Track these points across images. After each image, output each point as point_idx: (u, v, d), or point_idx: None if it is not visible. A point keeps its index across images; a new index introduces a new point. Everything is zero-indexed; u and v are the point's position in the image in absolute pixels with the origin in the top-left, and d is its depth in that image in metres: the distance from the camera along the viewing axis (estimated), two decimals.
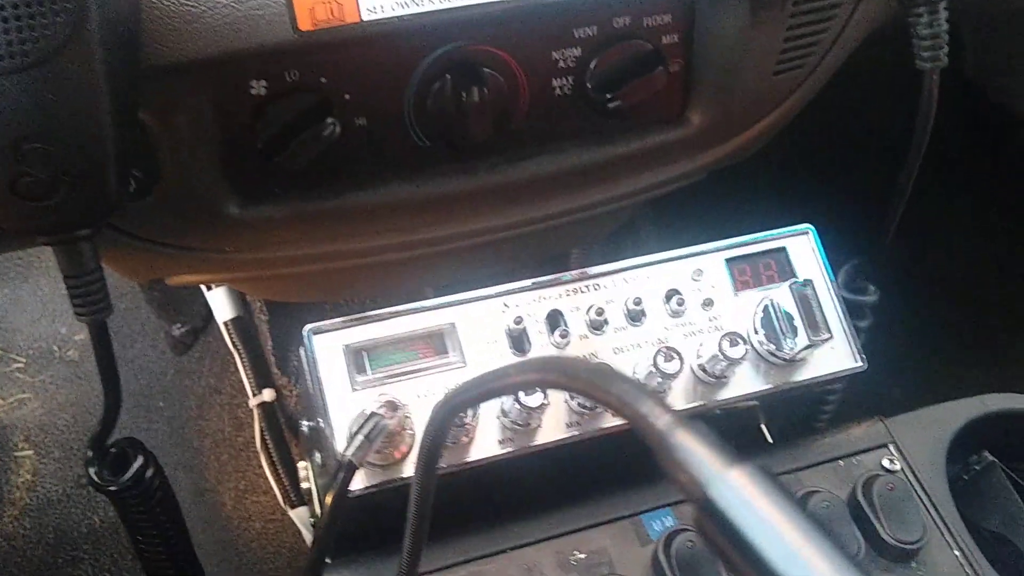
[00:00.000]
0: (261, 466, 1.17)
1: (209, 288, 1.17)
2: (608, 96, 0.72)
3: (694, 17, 0.72)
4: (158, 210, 0.67)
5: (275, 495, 1.16)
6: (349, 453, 0.55)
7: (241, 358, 1.17)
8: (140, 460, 0.68)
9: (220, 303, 1.16)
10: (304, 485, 0.74)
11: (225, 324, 1.17)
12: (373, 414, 0.56)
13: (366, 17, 0.61)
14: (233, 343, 1.18)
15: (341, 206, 0.71)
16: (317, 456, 0.65)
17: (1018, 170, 1.29)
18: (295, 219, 0.71)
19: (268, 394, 1.17)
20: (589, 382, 0.36)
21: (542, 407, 0.60)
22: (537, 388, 0.59)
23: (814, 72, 0.77)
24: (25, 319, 1.48)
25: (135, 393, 1.40)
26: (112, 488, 0.67)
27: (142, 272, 0.82)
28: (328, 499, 0.57)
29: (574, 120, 0.74)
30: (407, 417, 0.59)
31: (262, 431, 1.15)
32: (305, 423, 0.67)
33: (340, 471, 0.56)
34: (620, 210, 0.84)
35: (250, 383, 1.18)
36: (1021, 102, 1.51)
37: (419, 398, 0.60)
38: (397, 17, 0.62)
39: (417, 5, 0.62)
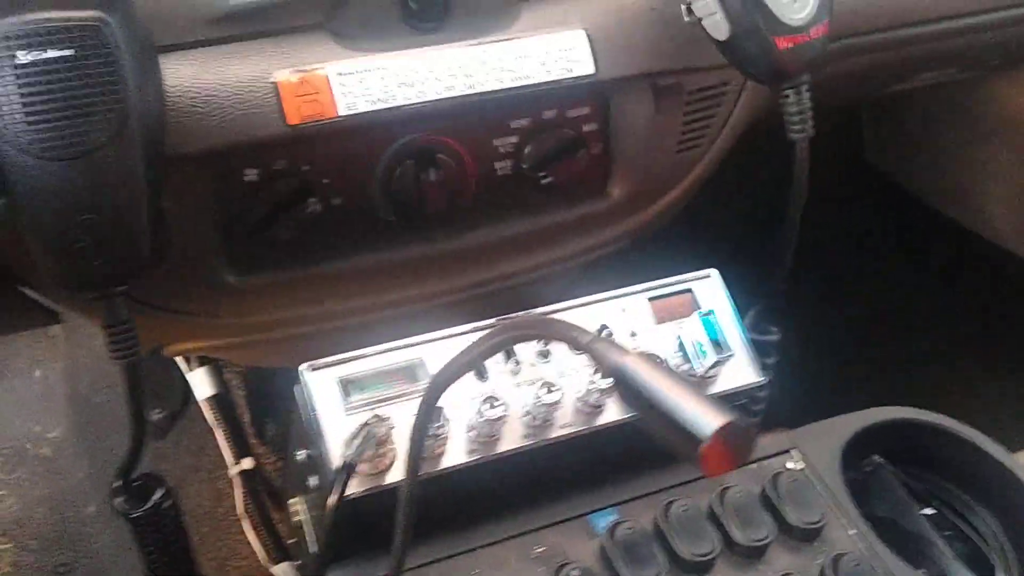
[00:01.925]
0: (241, 532, 1.25)
1: (190, 367, 1.27)
2: (541, 174, 0.87)
3: (609, 108, 0.88)
4: (164, 279, 0.79)
5: (256, 558, 1.24)
6: (349, 454, 0.68)
7: (223, 431, 1.27)
8: (160, 492, 0.79)
9: (200, 381, 1.26)
10: (296, 518, 0.84)
11: (206, 401, 1.27)
12: (365, 423, 0.69)
13: (343, 112, 0.76)
14: (214, 418, 1.28)
15: (322, 273, 0.85)
16: (312, 480, 0.77)
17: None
18: (282, 285, 0.84)
19: (248, 462, 1.26)
20: (542, 329, 0.51)
21: (502, 419, 0.73)
22: (494, 399, 0.72)
23: (711, 149, 0.93)
24: None
25: (110, 482, 1.48)
26: (134, 515, 0.78)
27: (143, 341, 0.93)
28: (331, 500, 0.68)
29: (514, 195, 0.88)
30: (391, 429, 0.71)
31: (244, 496, 1.25)
32: (300, 452, 0.78)
33: (341, 472, 0.68)
34: (557, 275, 0.98)
35: (231, 454, 1.27)
36: (911, 180, 1.72)
37: (398, 418, 0.73)
38: (369, 112, 0.76)
39: (384, 102, 0.77)
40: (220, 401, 1.27)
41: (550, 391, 0.74)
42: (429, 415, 0.61)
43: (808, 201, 0.84)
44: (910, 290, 1.76)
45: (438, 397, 0.61)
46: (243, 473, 1.25)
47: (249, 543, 1.24)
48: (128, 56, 0.62)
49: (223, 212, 0.79)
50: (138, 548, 0.81)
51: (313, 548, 0.80)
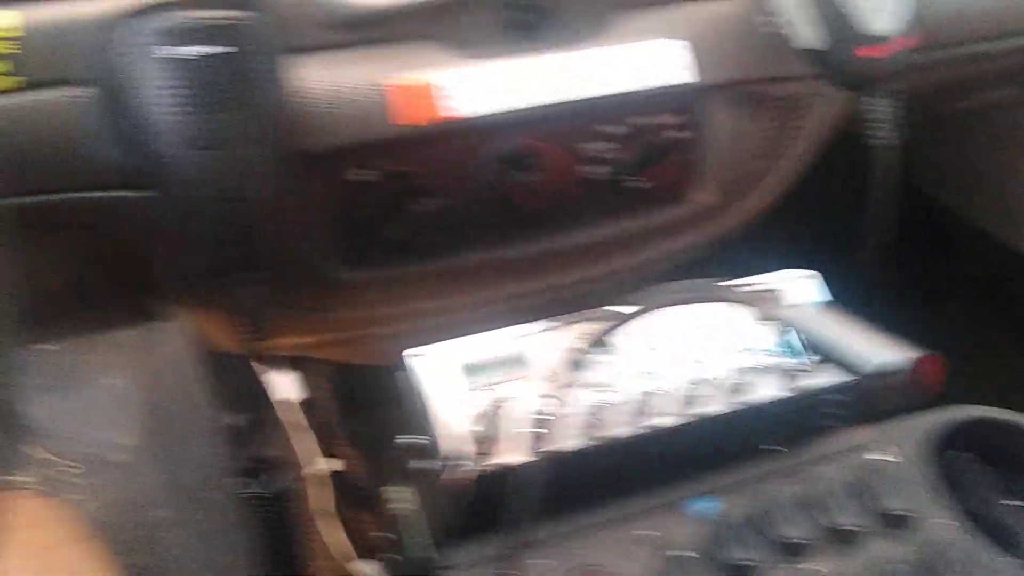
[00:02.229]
0: (317, 532, 1.28)
1: (276, 369, 1.31)
2: (631, 179, 0.91)
3: (696, 115, 0.92)
4: (279, 275, 0.83)
5: (333, 558, 1.27)
6: (473, 433, 0.71)
7: (305, 433, 1.30)
8: (284, 476, 0.82)
9: (283, 383, 1.30)
10: (394, 509, 0.87)
11: (288, 402, 1.31)
12: (489, 401, 0.72)
13: (451, 116, 0.80)
14: (298, 420, 1.31)
15: (426, 270, 0.89)
16: (419, 465, 0.79)
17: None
18: (390, 281, 0.88)
19: (334, 462, 1.29)
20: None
21: (610, 407, 0.76)
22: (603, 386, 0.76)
23: (794, 157, 0.97)
24: (75, 427, 1.59)
25: (185, 487, 1.51)
26: (259, 495, 0.81)
27: None
28: (459, 477, 0.71)
29: (604, 199, 0.92)
30: (512, 408, 0.74)
31: (331, 494, 1.27)
32: (405, 438, 0.81)
33: (472, 447, 0.71)
34: (640, 278, 1.02)
35: (313, 454, 1.30)
36: (961, 205, 1.75)
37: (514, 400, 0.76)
38: (474, 116, 0.80)
39: (489, 107, 0.81)
40: (304, 403, 1.30)
41: (651, 378, 0.77)
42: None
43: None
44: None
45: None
46: (329, 474, 1.28)
47: (327, 543, 1.26)
48: (268, 54, 0.67)
49: (335, 211, 0.83)
50: (256, 528, 0.84)
51: (417, 536, 0.83)
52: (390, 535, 0.90)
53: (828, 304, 0.84)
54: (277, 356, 1.26)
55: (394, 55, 0.79)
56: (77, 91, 0.70)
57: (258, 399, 1.41)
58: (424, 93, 0.79)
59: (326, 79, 0.77)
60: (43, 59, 0.70)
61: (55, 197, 0.72)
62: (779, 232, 1.07)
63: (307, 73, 0.76)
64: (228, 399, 1.44)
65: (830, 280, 0.89)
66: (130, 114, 0.67)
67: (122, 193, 0.73)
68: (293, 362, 1.31)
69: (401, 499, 0.87)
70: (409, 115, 0.79)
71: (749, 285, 0.84)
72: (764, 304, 0.53)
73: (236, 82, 0.65)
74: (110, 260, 0.82)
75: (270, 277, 0.76)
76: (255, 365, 1.28)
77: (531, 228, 0.91)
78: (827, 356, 0.51)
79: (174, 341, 1.53)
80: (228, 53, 0.65)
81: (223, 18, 0.65)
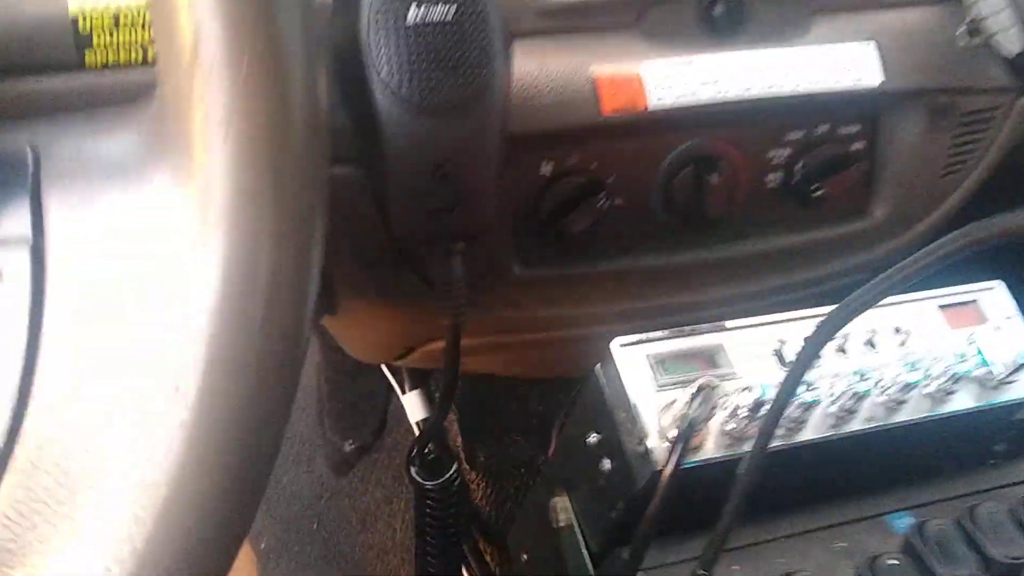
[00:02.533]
0: None
1: (404, 389, 1.29)
2: (809, 189, 0.89)
3: (878, 126, 0.89)
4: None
5: None
6: (692, 413, 0.68)
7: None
8: (453, 469, 0.80)
9: (413, 403, 1.28)
10: (562, 519, 0.84)
11: (416, 424, 1.29)
12: (701, 387, 0.69)
13: (652, 106, 0.78)
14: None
15: (601, 270, 0.86)
16: (606, 464, 0.76)
17: None
18: (564, 280, 0.86)
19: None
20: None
21: (813, 406, 0.73)
22: (808, 384, 0.72)
23: (974, 173, 0.94)
24: None
25: (284, 519, 1.48)
26: (425, 487, 0.79)
27: (406, 337, 0.95)
28: (667, 471, 0.68)
29: (781, 208, 0.90)
30: (721, 398, 0.71)
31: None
32: (592, 436, 0.78)
33: (680, 439, 0.67)
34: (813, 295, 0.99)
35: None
36: None
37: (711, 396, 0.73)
38: (674, 107, 0.79)
39: (688, 97, 0.79)
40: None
41: (863, 379, 0.74)
42: (808, 363, 0.62)
43: None
44: None
45: (841, 326, 0.62)
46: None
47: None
48: (496, 22, 0.66)
49: (516, 203, 0.82)
50: (419, 521, 0.82)
51: (588, 545, 0.80)
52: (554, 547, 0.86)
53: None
54: (412, 373, 1.25)
55: (597, 44, 0.78)
56: None
57: (372, 427, 1.39)
58: (629, 81, 0.77)
59: (531, 64, 0.76)
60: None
61: None
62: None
63: (515, 57, 0.75)
64: (347, 426, 1.43)
65: (1016, 290, 0.86)
66: (349, 78, 0.66)
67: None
68: (424, 376, 1.29)
69: (566, 509, 0.84)
70: (614, 102, 0.78)
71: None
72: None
73: (469, 44, 0.64)
74: None
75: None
76: (389, 379, 1.27)
77: (707, 234, 0.89)
78: None
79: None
80: (458, 17, 0.64)
81: None
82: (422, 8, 0.64)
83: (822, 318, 0.65)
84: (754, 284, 0.93)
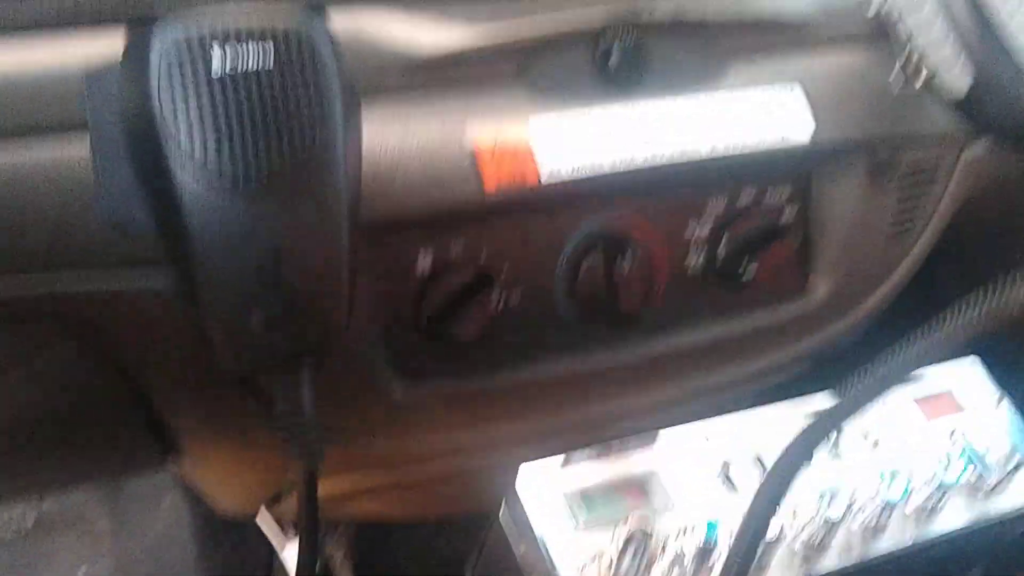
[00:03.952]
0: None
1: (286, 537, 1.10)
2: (737, 268, 0.75)
3: (811, 188, 0.77)
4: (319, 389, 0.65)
5: None
6: (623, 570, 0.51)
7: None
8: None
9: (295, 555, 1.09)
10: None
11: None
12: (633, 536, 0.52)
13: (546, 180, 0.64)
14: None
15: (498, 384, 0.71)
16: None
17: None
18: (455, 399, 0.70)
19: None
20: None
21: (775, 542, 0.57)
22: None
23: (923, 234, 0.82)
24: None
25: None
26: None
27: (267, 482, 0.78)
28: None
29: (705, 295, 0.76)
30: (659, 543, 0.55)
31: None
32: None
33: None
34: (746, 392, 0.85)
35: None
36: None
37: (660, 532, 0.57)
38: (572, 179, 0.64)
39: (589, 168, 0.65)
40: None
41: (831, 502, 0.58)
42: (776, 500, 0.45)
43: None
44: None
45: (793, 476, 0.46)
46: None
47: None
48: (333, 69, 0.51)
49: (390, 308, 0.66)
50: None
51: None
52: None
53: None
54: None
55: (475, 101, 0.63)
56: (72, 140, 0.53)
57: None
58: (516, 150, 0.63)
59: (393, 129, 0.61)
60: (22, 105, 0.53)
61: (34, 277, 0.54)
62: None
63: (374, 124, 0.60)
64: None
65: (991, 363, 0.73)
66: (141, 160, 0.50)
67: (130, 269, 0.55)
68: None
69: None
70: (498, 176, 0.63)
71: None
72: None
73: (290, 101, 0.48)
74: (104, 373, 0.63)
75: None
76: (267, 532, 1.07)
77: (618, 331, 0.74)
78: None
79: (166, 510, 1.34)
80: (280, 64, 0.48)
81: (267, 22, 0.49)
82: (229, 53, 0.48)
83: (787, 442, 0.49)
84: (680, 386, 0.79)
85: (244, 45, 0.48)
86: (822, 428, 0.47)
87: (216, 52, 0.47)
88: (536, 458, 0.68)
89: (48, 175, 0.54)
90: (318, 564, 1.10)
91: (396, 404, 0.68)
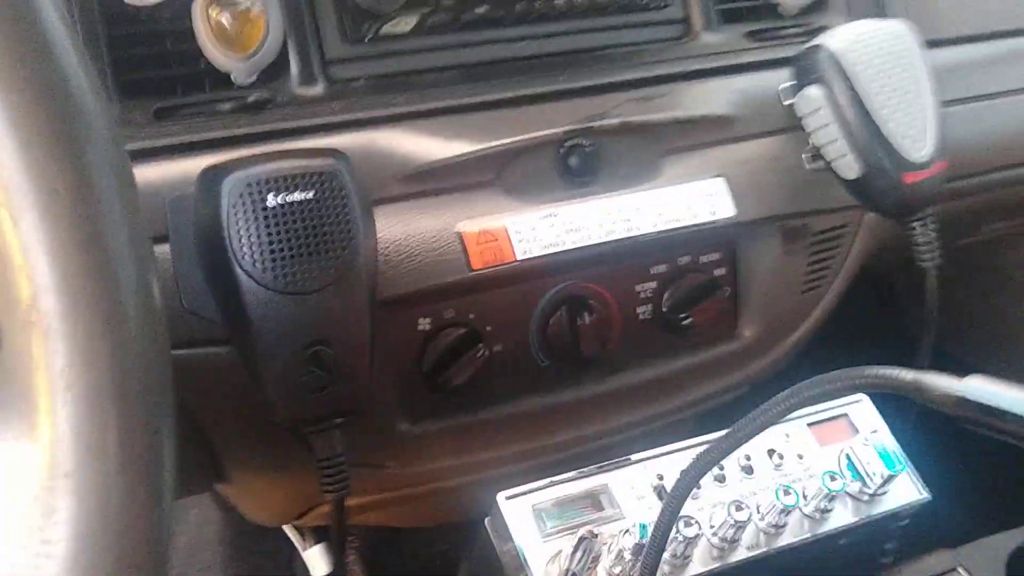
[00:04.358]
0: None
1: (305, 545, 1.26)
2: (679, 318, 0.92)
3: (737, 252, 0.94)
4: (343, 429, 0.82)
5: None
6: (574, 567, 0.69)
7: None
8: None
9: (315, 559, 1.25)
10: None
11: None
12: (582, 538, 0.70)
13: (520, 257, 0.81)
14: None
15: (484, 419, 0.88)
16: None
17: None
18: (450, 432, 0.87)
19: None
20: (854, 378, 0.55)
21: (696, 539, 0.74)
22: (689, 519, 0.74)
23: (833, 287, 0.99)
24: None
25: None
26: None
27: (301, 501, 0.95)
28: None
29: (654, 339, 0.93)
30: (603, 546, 0.72)
31: None
32: None
33: None
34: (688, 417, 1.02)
35: None
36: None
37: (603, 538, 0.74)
38: (541, 256, 0.82)
39: (554, 247, 0.82)
40: None
41: (739, 509, 0.76)
42: (687, 492, 0.63)
43: None
44: None
45: (703, 473, 0.64)
46: None
47: None
48: (357, 200, 0.68)
49: (398, 361, 0.83)
50: None
51: None
52: None
53: None
54: (314, 528, 1.23)
55: (461, 203, 0.81)
56: (158, 249, 0.71)
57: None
58: (495, 236, 0.80)
59: (398, 227, 0.78)
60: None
61: None
62: (825, 359, 1.08)
63: (381, 224, 0.77)
64: None
65: (878, 403, 0.90)
66: (215, 266, 0.67)
67: (201, 351, 0.73)
68: (323, 533, 1.27)
69: None
70: (482, 257, 0.80)
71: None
72: (924, 389, 0.52)
73: (330, 224, 0.66)
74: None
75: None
76: (292, 538, 1.24)
77: (583, 372, 0.91)
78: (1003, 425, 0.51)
79: (194, 520, 1.49)
80: (318, 198, 0.66)
81: (315, 166, 0.67)
82: (280, 193, 0.66)
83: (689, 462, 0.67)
84: (634, 414, 0.96)
85: (290, 186, 0.66)
86: (708, 459, 0.65)
87: (270, 193, 0.65)
88: (518, 475, 0.85)
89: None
90: (336, 566, 1.28)
91: (403, 437, 0.85)
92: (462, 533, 1.23)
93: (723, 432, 0.65)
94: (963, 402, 0.51)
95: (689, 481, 0.64)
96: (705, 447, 0.66)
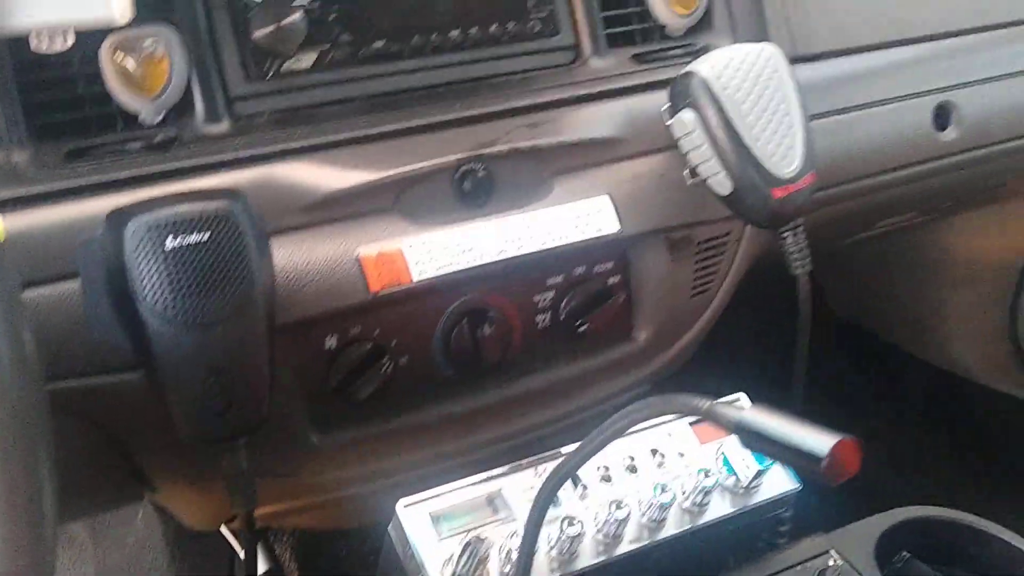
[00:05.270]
0: None
1: (241, 544, 1.32)
2: (576, 324, 0.99)
3: (629, 261, 1.01)
4: (253, 443, 0.87)
5: None
6: (460, 569, 0.75)
7: None
8: None
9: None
10: None
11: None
12: (468, 543, 0.77)
13: (416, 278, 0.87)
14: None
15: (392, 428, 0.94)
16: None
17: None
18: (359, 442, 0.93)
19: None
20: (662, 406, 0.61)
21: (579, 537, 0.81)
22: (571, 519, 0.81)
23: (720, 291, 1.06)
24: None
25: None
26: None
27: (224, 509, 1.00)
28: None
29: (553, 345, 1.00)
30: (490, 548, 0.79)
31: None
32: None
33: None
34: (592, 417, 1.09)
35: None
36: (872, 324, 1.88)
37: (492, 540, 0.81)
38: (436, 276, 0.88)
39: (449, 267, 0.88)
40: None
41: (619, 507, 0.83)
42: (550, 498, 0.70)
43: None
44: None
45: (561, 484, 0.70)
46: None
47: None
48: (252, 239, 0.74)
49: (306, 378, 0.89)
50: None
51: None
52: None
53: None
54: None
55: (360, 229, 0.86)
56: (72, 285, 0.76)
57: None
58: (393, 259, 0.86)
59: (300, 255, 0.83)
60: (36, 258, 0.76)
61: (53, 387, 0.77)
62: (712, 361, 1.16)
63: (281, 252, 0.82)
64: None
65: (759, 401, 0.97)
66: (121, 302, 0.73)
67: (114, 377, 0.78)
68: (260, 534, 1.33)
69: None
70: (380, 280, 0.86)
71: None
72: (718, 411, 0.60)
73: (226, 263, 0.72)
74: (101, 444, 0.86)
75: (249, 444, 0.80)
76: (230, 541, 1.30)
77: (486, 379, 0.97)
78: (770, 450, 0.58)
79: (141, 523, 1.54)
80: (213, 239, 0.72)
81: (210, 209, 0.72)
82: (178, 234, 0.71)
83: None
84: (538, 416, 1.02)
85: (188, 229, 0.71)
86: (562, 473, 0.71)
87: (169, 236, 0.71)
88: (429, 479, 0.91)
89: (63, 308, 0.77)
90: (272, 565, 1.34)
91: (315, 448, 0.91)
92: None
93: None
94: (741, 427, 0.58)
95: (538, 512, 0.71)
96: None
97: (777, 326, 1.05)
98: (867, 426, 1.88)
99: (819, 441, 0.55)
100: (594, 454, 0.69)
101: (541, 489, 0.72)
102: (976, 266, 1.71)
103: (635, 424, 0.67)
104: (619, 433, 0.68)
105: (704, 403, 0.61)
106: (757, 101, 0.91)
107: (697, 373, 1.13)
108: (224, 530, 1.31)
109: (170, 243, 0.71)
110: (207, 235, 0.72)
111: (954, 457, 1.83)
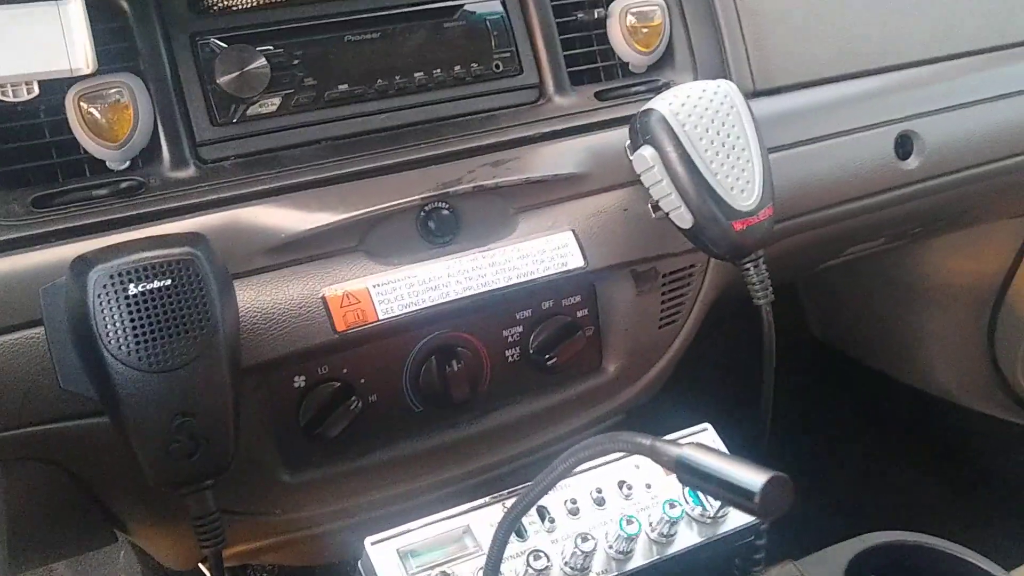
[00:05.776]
0: None
1: None
2: (546, 357, 1.00)
3: (596, 295, 1.02)
4: (224, 482, 0.88)
5: None
6: None
7: None
8: None
9: None
10: None
11: None
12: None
13: (382, 317, 0.88)
14: None
15: (363, 465, 0.95)
16: None
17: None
18: (330, 480, 0.94)
19: None
20: (608, 444, 0.63)
21: (546, 570, 0.82)
22: (538, 553, 0.82)
23: (687, 322, 1.07)
24: None
25: None
26: None
27: (196, 548, 1.01)
28: None
29: (523, 379, 1.01)
30: None
31: None
32: None
33: None
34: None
35: None
36: (852, 348, 1.90)
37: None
38: (402, 314, 0.89)
39: (414, 305, 0.89)
40: None
41: (585, 540, 0.83)
42: (507, 537, 0.71)
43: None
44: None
45: (516, 521, 0.71)
46: None
47: None
48: (214, 283, 0.75)
49: (276, 417, 0.90)
50: None
51: None
52: None
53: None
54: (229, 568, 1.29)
55: (326, 269, 0.87)
56: (35, 332, 0.77)
57: None
58: (358, 299, 0.87)
59: (266, 297, 0.84)
60: (2, 305, 0.77)
61: (20, 432, 0.78)
62: (684, 391, 1.17)
63: (247, 294, 0.84)
64: None
65: (729, 429, 0.98)
66: (85, 348, 0.74)
67: (81, 422, 0.79)
68: (239, 571, 1.34)
69: None
70: (346, 319, 0.87)
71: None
72: (659, 448, 0.61)
73: (188, 308, 0.73)
74: (72, 488, 0.87)
75: (218, 484, 0.81)
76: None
77: (456, 414, 0.99)
78: (706, 486, 0.59)
79: (123, 561, 1.54)
80: (175, 285, 0.73)
81: (172, 255, 0.74)
82: (142, 283, 0.72)
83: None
84: (509, 450, 1.03)
85: (150, 275, 0.72)
86: (520, 507, 0.72)
87: (131, 283, 0.72)
88: (400, 515, 0.92)
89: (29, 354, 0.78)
90: None
91: (285, 487, 0.92)
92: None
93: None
94: (680, 464, 0.60)
95: (497, 549, 0.72)
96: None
97: (748, 355, 1.07)
98: (847, 449, 1.92)
99: (752, 478, 0.57)
100: (540, 497, 0.71)
101: (492, 539, 0.73)
102: (952, 289, 1.74)
103: (581, 463, 0.69)
104: (566, 473, 0.69)
105: (647, 440, 0.62)
106: (715, 136, 0.93)
107: (669, 403, 1.14)
108: (203, 567, 1.31)
109: (132, 289, 0.72)
110: (169, 281, 0.73)
111: (933, 478, 1.85)
